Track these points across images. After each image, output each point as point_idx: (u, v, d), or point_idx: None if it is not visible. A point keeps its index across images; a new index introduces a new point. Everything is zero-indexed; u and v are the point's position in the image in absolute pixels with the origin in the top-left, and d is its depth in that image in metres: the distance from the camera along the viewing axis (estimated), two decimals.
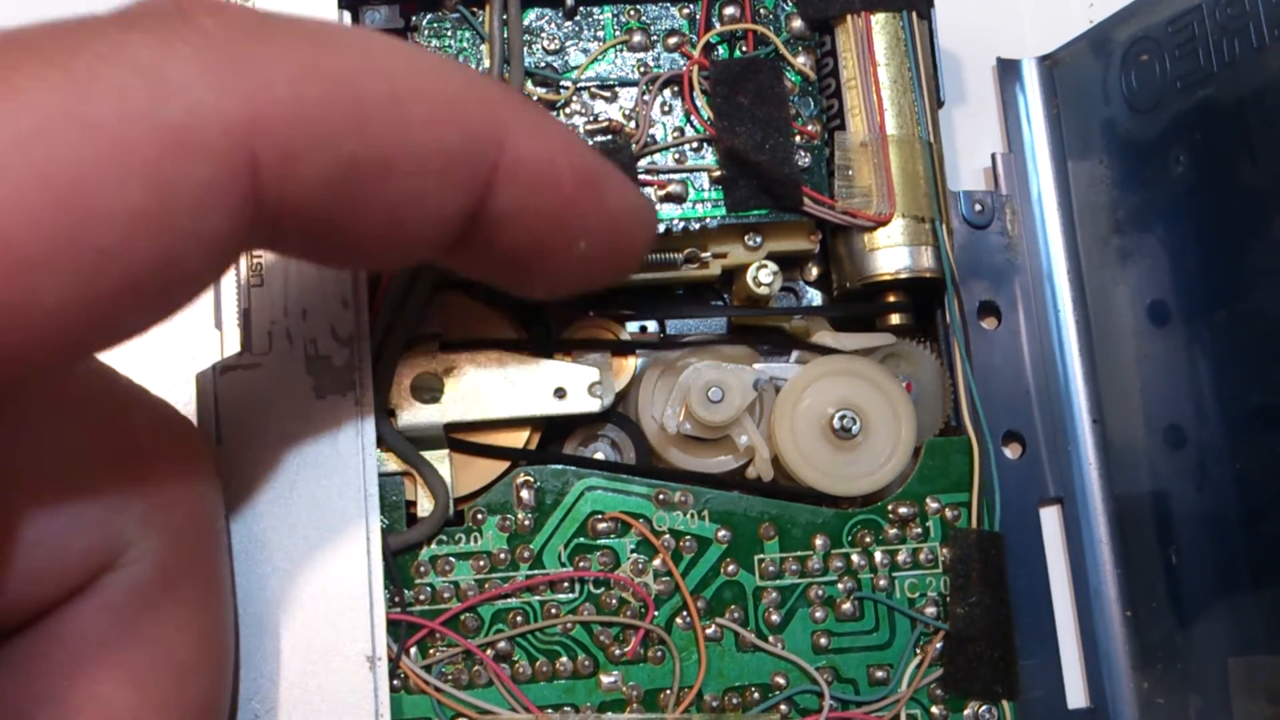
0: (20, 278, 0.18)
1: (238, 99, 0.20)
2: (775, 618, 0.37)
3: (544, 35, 0.39)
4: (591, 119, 0.39)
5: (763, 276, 0.39)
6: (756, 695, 0.37)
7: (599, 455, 0.39)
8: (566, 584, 0.37)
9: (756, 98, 0.39)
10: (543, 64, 0.39)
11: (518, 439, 0.38)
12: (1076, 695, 0.42)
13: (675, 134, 0.39)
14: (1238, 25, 0.38)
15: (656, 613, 0.37)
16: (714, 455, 0.39)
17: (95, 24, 0.20)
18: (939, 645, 0.37)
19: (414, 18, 0.39)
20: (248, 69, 0.20)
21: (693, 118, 0.39)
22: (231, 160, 0.20)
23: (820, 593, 0.38)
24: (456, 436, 0.37)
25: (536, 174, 0.24)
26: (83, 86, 0.19)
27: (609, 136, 0.39)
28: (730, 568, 0.37)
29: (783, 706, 0.37)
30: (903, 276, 0.39)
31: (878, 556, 0.38)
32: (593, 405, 0.38)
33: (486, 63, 0.38)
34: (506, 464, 0.38)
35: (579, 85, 0.39)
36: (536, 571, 0.37)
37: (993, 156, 0.45)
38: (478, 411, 0.37)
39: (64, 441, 0.25)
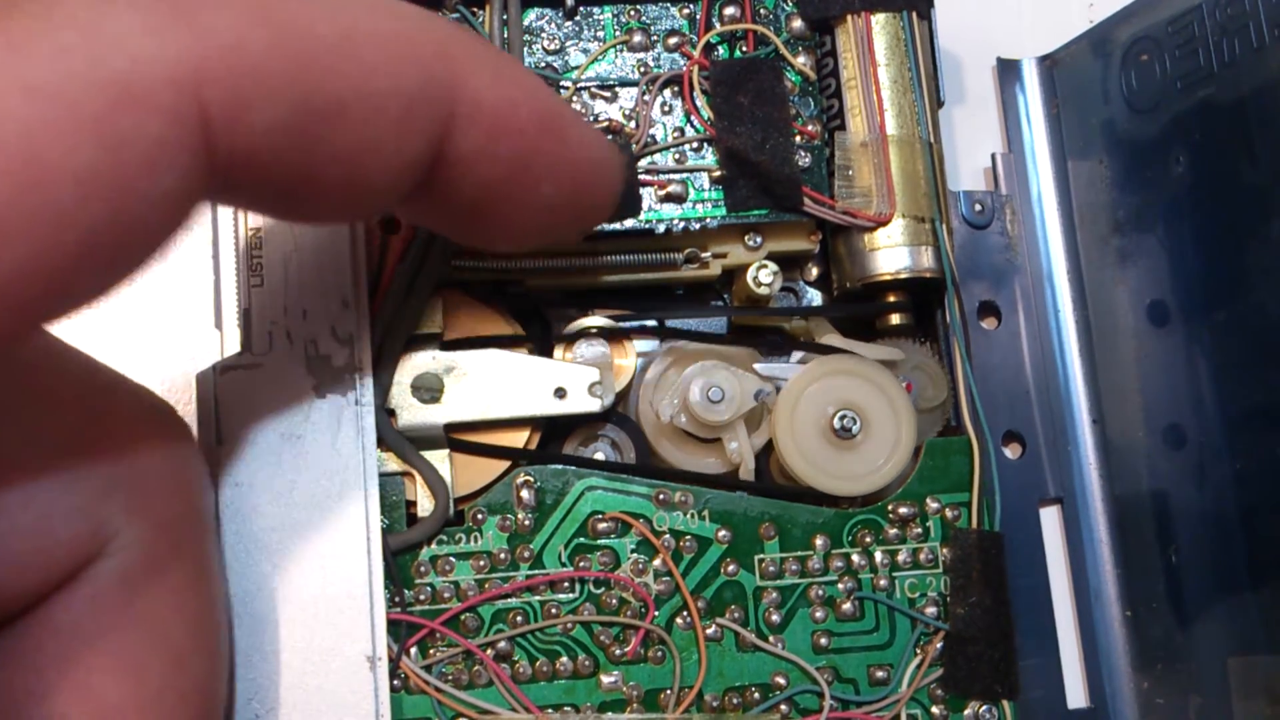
0: None
1: (181, 48, 0.20)
2: (775, 618, 0.37)
3: (544, 35, 0.39)
4: (592, 119, 0.39)
5: (763, 276, 0.39)
6: (757, 695, 0.37)
7: (599, 455, 0.39)
8: (567, 584, 0.37)
9: (756, 98, 0.39)
10: (543, 64, 0.39)
11: (518, 439, 0.38)
12: (1076, 695, 0.42)
13: (675, 134, 0.39)
14: (1238, 25, 0.38)
15: (657, 613, 0.37)
16: (704, 456, 0.39)
17: None
18: (939, 645, 0.37)
19: None
20: (189, 16, 0.20)
21: (693, 118, 0.39)
22: (180, 112, 0.20)
23: (820, 593, 0.38)
24: (456, 436, 0.37)
25: (496, 116, 0.23)
26: (20, 48, 0.19)
27: (609, 137, 0.39)
28: (730, 568, 0.37)
29: (783, 706, 0.37)
30: (903, 276, 0.39)
31: (878, 556, 0.38)
32: (593, 405, 0.38)
33: None
34: (506, 464, 0.37)
35: (579, 85, 0.39)
36: (537, 571, 0.37)
37: (993, 156, 0.45)
38: (478, 411, 0.37)
39: (42, 429, 0.24)
